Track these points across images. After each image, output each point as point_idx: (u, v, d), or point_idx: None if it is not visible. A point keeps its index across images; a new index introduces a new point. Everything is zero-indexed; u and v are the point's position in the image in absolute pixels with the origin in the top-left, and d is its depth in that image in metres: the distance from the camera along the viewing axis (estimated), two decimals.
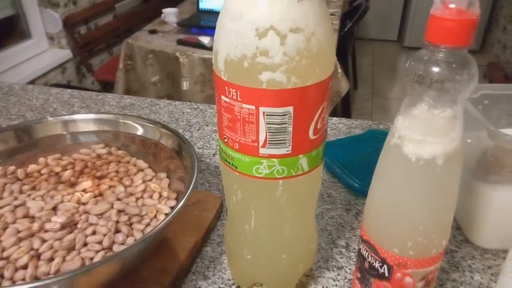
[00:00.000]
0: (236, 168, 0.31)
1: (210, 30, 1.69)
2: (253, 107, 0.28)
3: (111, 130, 0.46)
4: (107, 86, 1.95)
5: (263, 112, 0.28)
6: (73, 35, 1.94)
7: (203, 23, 1.75)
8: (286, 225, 0.34)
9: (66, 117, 0.46)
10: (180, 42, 1.56)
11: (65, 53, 1.94)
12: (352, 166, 0.54)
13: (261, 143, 0.29)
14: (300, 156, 0.30)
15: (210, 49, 1.53)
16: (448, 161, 0.27)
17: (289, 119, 0.28)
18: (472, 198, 0.43)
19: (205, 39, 1.56)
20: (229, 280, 0.40)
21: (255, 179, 0.30)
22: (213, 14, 1.81)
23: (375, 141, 0.60)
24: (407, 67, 0.26)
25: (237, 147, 0.30)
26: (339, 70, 1.66)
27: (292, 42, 0.26)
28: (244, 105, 0.28)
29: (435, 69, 0.25)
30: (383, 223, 0.31)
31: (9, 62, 1.74)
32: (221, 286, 0.39)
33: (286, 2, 0.25)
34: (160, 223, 0.33)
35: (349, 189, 0.52)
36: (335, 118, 0.68)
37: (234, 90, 0.28)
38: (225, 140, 0.31)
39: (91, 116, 0.46)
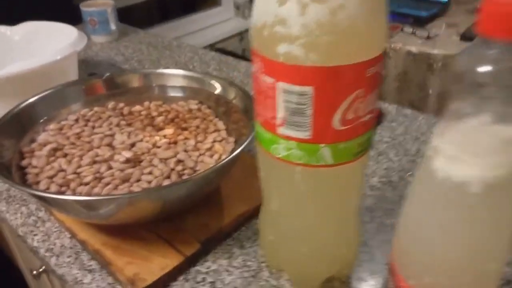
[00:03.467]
0: (260, 143, 0.30)
1: None
2: (272, 80, 0.26)
3: (196, 87, 0.50)
4: None
5: (281, 88, 0.26)
6: None
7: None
8: (308, 217, 0.31)
9: (159, 71, 0.53)
10: None
11: (246, 23, 2.11)
12: None
13: (279, 122, 0.27)
14: (322, 145, 0.27)
15: None
16: (488, 192, 0.20)
17: (308, 100, 0.25)
18: None
19: None
20: (263, 257, 0.39)
21: (273, 159, 0.29)
22: None
23: None
24: (454, 62, 0.21)
25: (260, 120, 0.29)
26: None
27: (312, 13, 0.23)
28: (265, 77, 0.26)
29: (475, 69, 0.19)
30: (405, 248, 0.26)
31: (199, 24, 2.00)
32: (252, 259, 0.39)
33: None
34: (202, 172, 0.36)
35: None
36: None
37: (258, 60, 0.27)
38: (255, 112, 0.30)
39: (180, 72, 0.51)
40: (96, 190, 0.37)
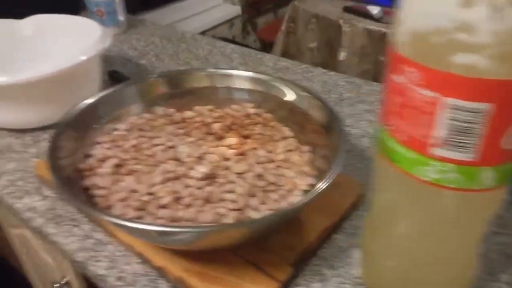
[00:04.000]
0: (394, 162, 0.27)
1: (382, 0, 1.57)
2: (435, 94, 0.22)
3: (263, 91, 0.45)
4: (266, 46, 2.00)
5: (448, 104, 0.22)
6: None
7: None
8: (442, 243, 0.28)
9: (224, 71, 0.47)
10: (346, 9, 1.49)
11: (235, 10, 2.04)
12: None
13: (434, 141, 0.24)
14: (486, 168, 0.24)
15: (378, 20, 1.42)
16: None
17: (481, 118, 0.22)
18: None
19: (374, 9, 1.46)
20: (357, 278, 0.36)
21: (416, 181, 0.26)
22: None
23: None
24: None
25: (402, 138, 0.25)
26: None
27: (509, 19, 0.19)
28: (423, 91, 0.23)
29: None
30: None
31: (188, 11, 1.92)
32: (346, 281, 0.36)
33: None
34: (301, 201, 0.32)
35: None
36: None
37: (412, 70, 0.23)
38: (387, 127, 0.26)
39: (247, 74, 0.46)
40: (180, 213, 0.33)
